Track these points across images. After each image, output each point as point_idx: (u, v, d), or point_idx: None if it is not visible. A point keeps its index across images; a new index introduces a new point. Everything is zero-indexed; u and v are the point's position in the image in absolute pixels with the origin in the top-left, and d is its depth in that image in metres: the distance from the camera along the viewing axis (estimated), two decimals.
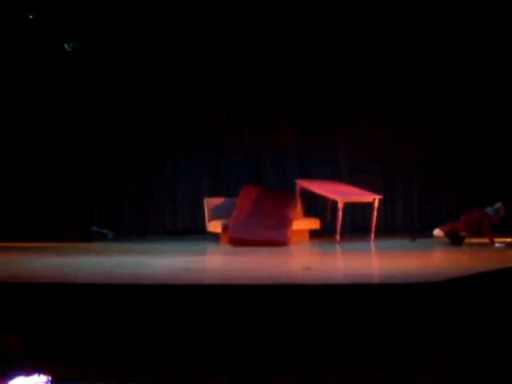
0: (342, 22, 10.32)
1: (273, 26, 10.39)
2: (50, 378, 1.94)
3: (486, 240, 8.84)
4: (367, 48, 10.55)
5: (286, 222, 9.45)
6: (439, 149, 10.97)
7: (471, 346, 1.41)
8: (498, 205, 8.99)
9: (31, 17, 9.54)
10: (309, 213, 10.57)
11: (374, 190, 10.08)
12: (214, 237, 9.92)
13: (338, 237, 9.46)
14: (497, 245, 8.67)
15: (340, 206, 9.47)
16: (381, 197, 9.91)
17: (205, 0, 10.19)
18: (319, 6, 10.18)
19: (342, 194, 9.76)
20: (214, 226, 9.88)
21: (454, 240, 8.86)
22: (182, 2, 10.18)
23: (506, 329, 4.53)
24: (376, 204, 9.75)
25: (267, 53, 10.69)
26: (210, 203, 10.20)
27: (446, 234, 9.01)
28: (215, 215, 9.99)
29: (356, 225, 10.94)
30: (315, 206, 10.75)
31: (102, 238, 10.42)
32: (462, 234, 8.99)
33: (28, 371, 1.90)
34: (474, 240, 9.04)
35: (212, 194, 10.64)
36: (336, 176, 10.88)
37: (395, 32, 10.37)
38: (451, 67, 10.56)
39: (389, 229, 10.93)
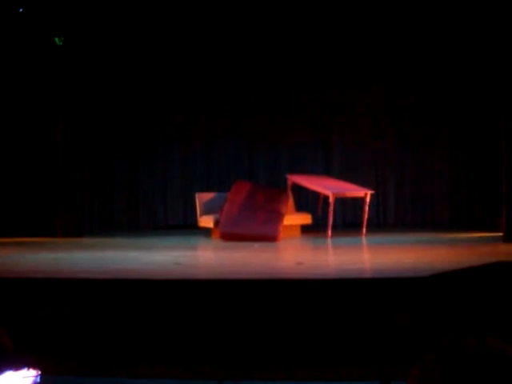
0: (338, 18, 10.29)
1: (269, 25, 10.35)
2: (39, 372, 1.94)
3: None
4: (361, 44, 10.53)
5: (277, 217, 9.46)
6: (431, 144, 10.98)
7: (460, 338, 1.41)
8: None
9: (21, 10, 9.48)
10: (300, 208, 10.57)
11: (366, 185, 10.10)
12: (206, 232, 9.92)
13: (329, 232, 9.47)
14: None
15: (331, 200, 9.49)
16: (372, 192, 9.94)
17: None
18: (320, 4, 10.16)
19: (333, 188, 9.77)
20: (206, 221, 9.88)
21: None
22: None
23: (495, 322, 4.56)
24: (368, 199, 9.77)
25: (260, 50, 10.66)
26: (202, 198, 10.19)
27: None
28: (207, 210, 9.99)
29: (347, 220, 10.95)
30: (306, 201, 10.76)
31: None
32: None
33: (18, 366, 1.89)
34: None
35: (204, 190, 10.63)
36: (327, 172, 10.89)
37: (390, 26, 10.36)
38: (443, 63, 10.56)
39: (380, 224, 10.95)
